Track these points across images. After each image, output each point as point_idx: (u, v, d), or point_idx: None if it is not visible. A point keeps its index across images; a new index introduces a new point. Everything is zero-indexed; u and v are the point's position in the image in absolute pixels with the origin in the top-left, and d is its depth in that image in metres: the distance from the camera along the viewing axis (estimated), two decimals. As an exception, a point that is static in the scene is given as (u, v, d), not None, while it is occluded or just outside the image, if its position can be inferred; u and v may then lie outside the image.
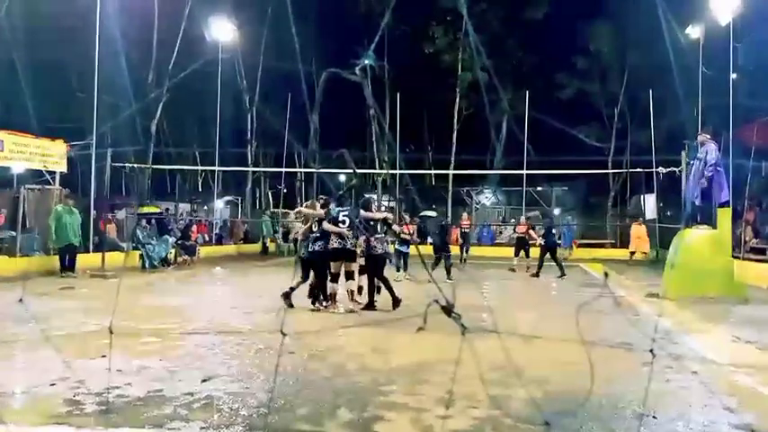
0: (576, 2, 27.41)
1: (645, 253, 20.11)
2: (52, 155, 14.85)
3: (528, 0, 29.28)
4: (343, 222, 8.50)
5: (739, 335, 7.13)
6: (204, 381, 4.93)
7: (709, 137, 10.86)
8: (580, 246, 23.35)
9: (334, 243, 8.45)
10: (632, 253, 20.04)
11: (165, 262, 15.72)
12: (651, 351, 1.86)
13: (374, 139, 29.28)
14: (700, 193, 10.53)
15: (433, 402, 4.41)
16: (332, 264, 8.56)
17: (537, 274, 14.57)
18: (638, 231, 20.32)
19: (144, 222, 16.07)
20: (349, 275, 8.72)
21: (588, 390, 4.65)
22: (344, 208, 8.74)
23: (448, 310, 2.06)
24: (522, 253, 16.43)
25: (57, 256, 13.97)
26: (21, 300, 7.73)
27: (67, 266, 13.35)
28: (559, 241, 23.50)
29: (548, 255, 14.64)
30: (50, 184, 15.28)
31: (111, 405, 4.29)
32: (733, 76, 16.27)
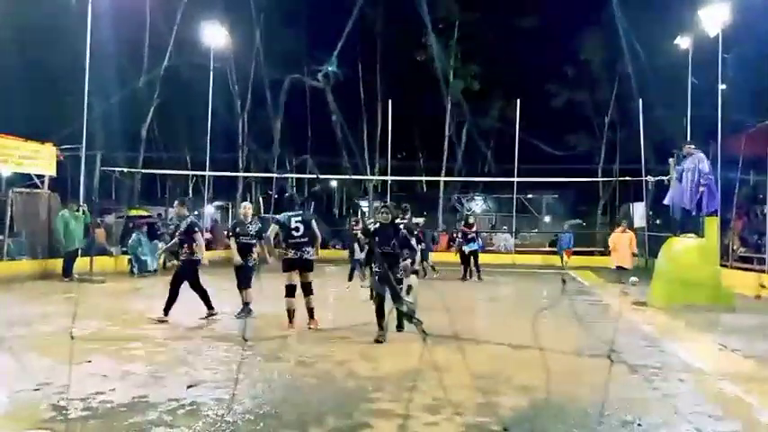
0: (566, 12, 27.62)
1: (624, 268, 13.95)
2: (41, 158, 14.75)
3: (519, 10, 29.45)
4: (297, 230, 7.55)
5: (726, 343, 7.17)
6: (190, 387, 4.89)
7: (694, 146, 10.98)
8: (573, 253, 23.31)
9: (289, 253, 7.61)
10: (619, 267, 14.10)
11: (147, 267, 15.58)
12: (609, 357, 1.86)
13: (349, 145, 29.17)
14: (696, 202, 10.59)
15: (420, 409, 4.40)
16: (286, 275, 7.65)
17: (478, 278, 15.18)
18: (616, 240, 14.21)
19: (145, 228, 15.99)
20: (306, 289, 7.64)
21: (574, 397, 4.67)
22: (297, 212, 7.80)
23: (409, 316, 2.06)
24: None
25: (45, 261, 13.96)
26: None
27: (67, 271, 13.36)
28: (554, 248, 23.61)
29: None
30: (39, 187, 15.17)
31: (95, 411, 4.25)
32: (722, 86, 16.42)
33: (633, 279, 13.51)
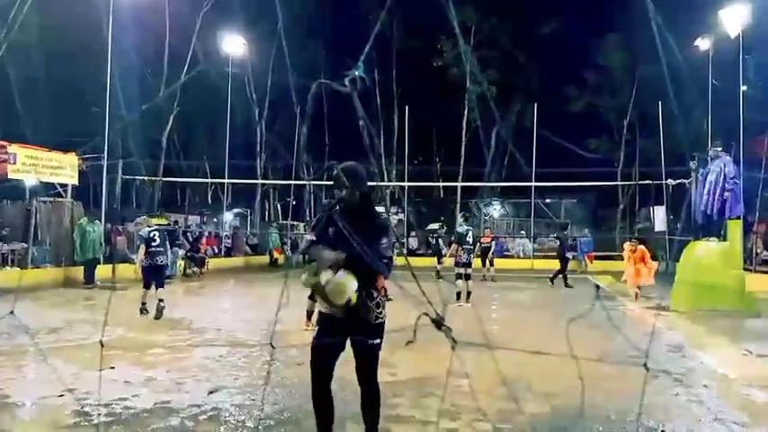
0: (585, 16, 27.50)
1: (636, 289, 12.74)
2: (64, 167, 15.02)
3: (538, 15, 29.39)
4: None
5: (750, 348, 7.05)
6: (211, 392, 4.94)
7: (721, 149, 10.83)
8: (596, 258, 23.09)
9: None
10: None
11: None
12: (645, 366, 1.84)
13: (375, 150, 29.21)
14: (719, 206, 10.43)
15: (440, 415, 4.39)
16: None
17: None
18: (628, 260, 13.19)
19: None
20: None
21: (597, 404, 4.62)
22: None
23: (438, 323, 2.06)
24: (487, 262, 17.24)
25: (68, 269, 14.22)
26: (12, 312, 7.76)
27: (88, 278, 13.59)
28: (575, 253, 23.45)
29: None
30: (62, 196, 15.43)
31: (118, 416, 4.31)
32: (743, 88, 16.20)
33: (635, 290, 12.04)
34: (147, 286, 9.41)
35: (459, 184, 28.93)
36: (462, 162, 29.85)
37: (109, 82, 15.76)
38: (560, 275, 15.24)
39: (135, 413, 4.38)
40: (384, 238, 3.34)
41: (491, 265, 17.32)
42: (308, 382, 3.57)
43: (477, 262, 17.23)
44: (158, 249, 9.39)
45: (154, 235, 9.40)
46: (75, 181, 15.45)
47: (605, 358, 6.25)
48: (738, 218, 10.78)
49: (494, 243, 18.22)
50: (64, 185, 15.41)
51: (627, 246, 13.65)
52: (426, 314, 2.07)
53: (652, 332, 8.20)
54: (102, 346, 2.95)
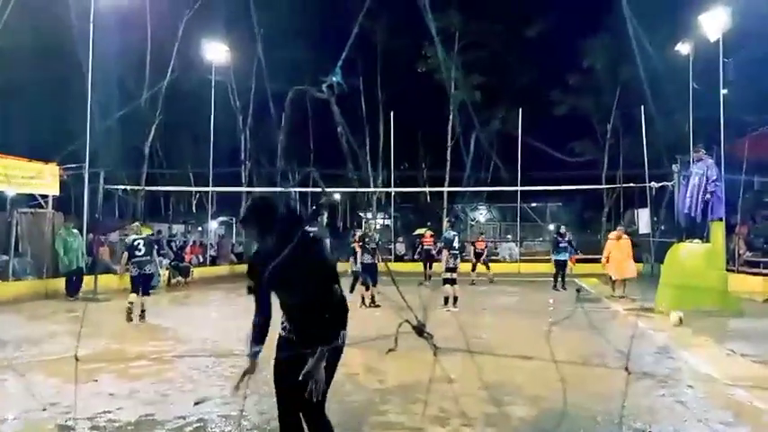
0: (570, 19, 27.75)
1: (622, 280, 13.17)
2: (45, 178, 14.81)
3: (522, 18, 29.59)
4: None
5: (734, 348, 7.12)
6: (197, 404, 4.88)
7: (704, 152, 10.98)
8: (577, 261, 23.23)
9: None
10: (612, 280, 13.43)
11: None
12: (626, 369, 1.85)
13: (356, 155, 29.28)
14: (702, 208, 10.55)
15: (428, 421, 4.38)
16: None
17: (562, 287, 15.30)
18: (612, 248, 13.30)
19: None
20: None
21: (583, 406, 4.63)
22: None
23: (419, 330, 2.05)
24: (478, 267, 17.85)
25: (49, 281, 14.00)
26: None
27: (73, 289, 13.42)
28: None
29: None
30: (43, 207, 15.22)
31: (102, 430, 4.24)
32: (724, 91, 16.39)
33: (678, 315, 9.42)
34: (135, 291, 9.55)
35: (445, 189, 29.00)
36: (448, 167, 29.95)
37: (90, 90, 15.57)
38: (558, 278, 15.43)
39: (119, 426, 4.32)
40: (325, 269, 3.08)
41: (487, 268, 18.09)
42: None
43: (465, 266, 17.40)
44: (144, 259, 9.47)
45: (138, 244, 9.48)
46: (57, 191, 15.24)
47: (591, 361, 6.28)
48: (721, 219, 10.90)
49: (486, 249, 18.96)
50: (45, 196, 15.20)
51: (613, 234, 13.74)
52: (408, 321, 2.06)
53: (634, 334, 8.25)
54: (77, 360, 2.88)
